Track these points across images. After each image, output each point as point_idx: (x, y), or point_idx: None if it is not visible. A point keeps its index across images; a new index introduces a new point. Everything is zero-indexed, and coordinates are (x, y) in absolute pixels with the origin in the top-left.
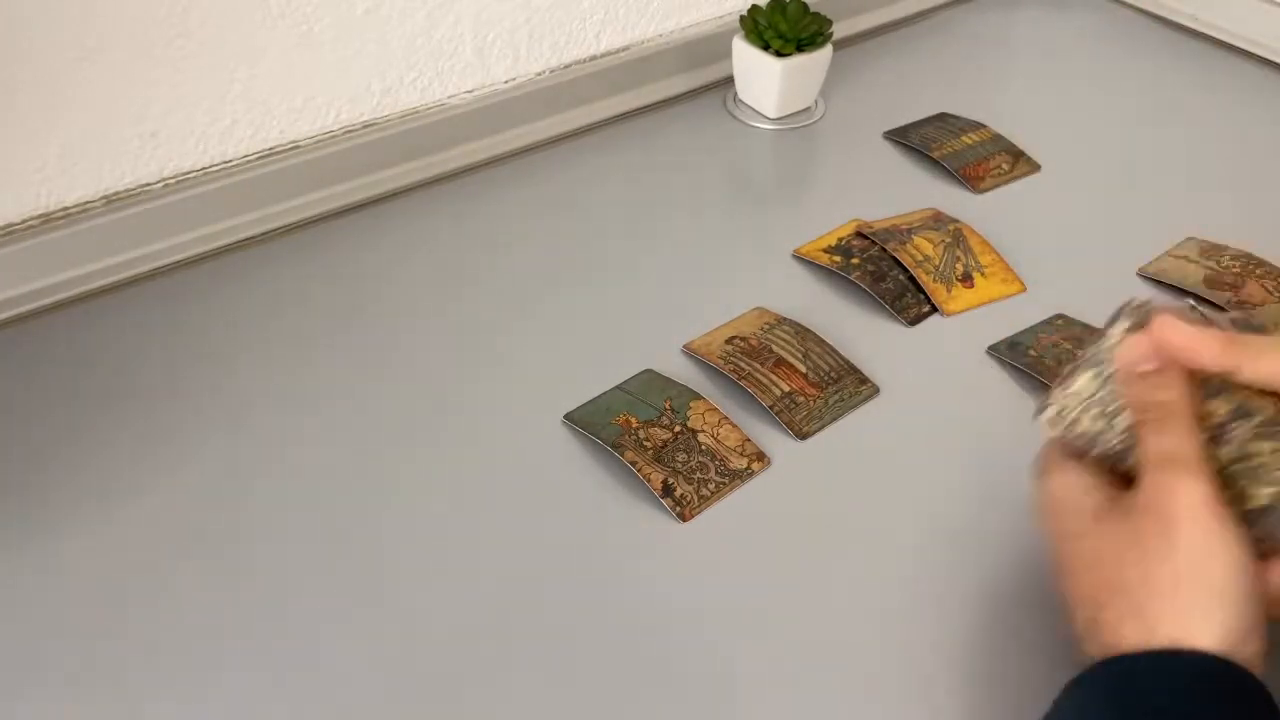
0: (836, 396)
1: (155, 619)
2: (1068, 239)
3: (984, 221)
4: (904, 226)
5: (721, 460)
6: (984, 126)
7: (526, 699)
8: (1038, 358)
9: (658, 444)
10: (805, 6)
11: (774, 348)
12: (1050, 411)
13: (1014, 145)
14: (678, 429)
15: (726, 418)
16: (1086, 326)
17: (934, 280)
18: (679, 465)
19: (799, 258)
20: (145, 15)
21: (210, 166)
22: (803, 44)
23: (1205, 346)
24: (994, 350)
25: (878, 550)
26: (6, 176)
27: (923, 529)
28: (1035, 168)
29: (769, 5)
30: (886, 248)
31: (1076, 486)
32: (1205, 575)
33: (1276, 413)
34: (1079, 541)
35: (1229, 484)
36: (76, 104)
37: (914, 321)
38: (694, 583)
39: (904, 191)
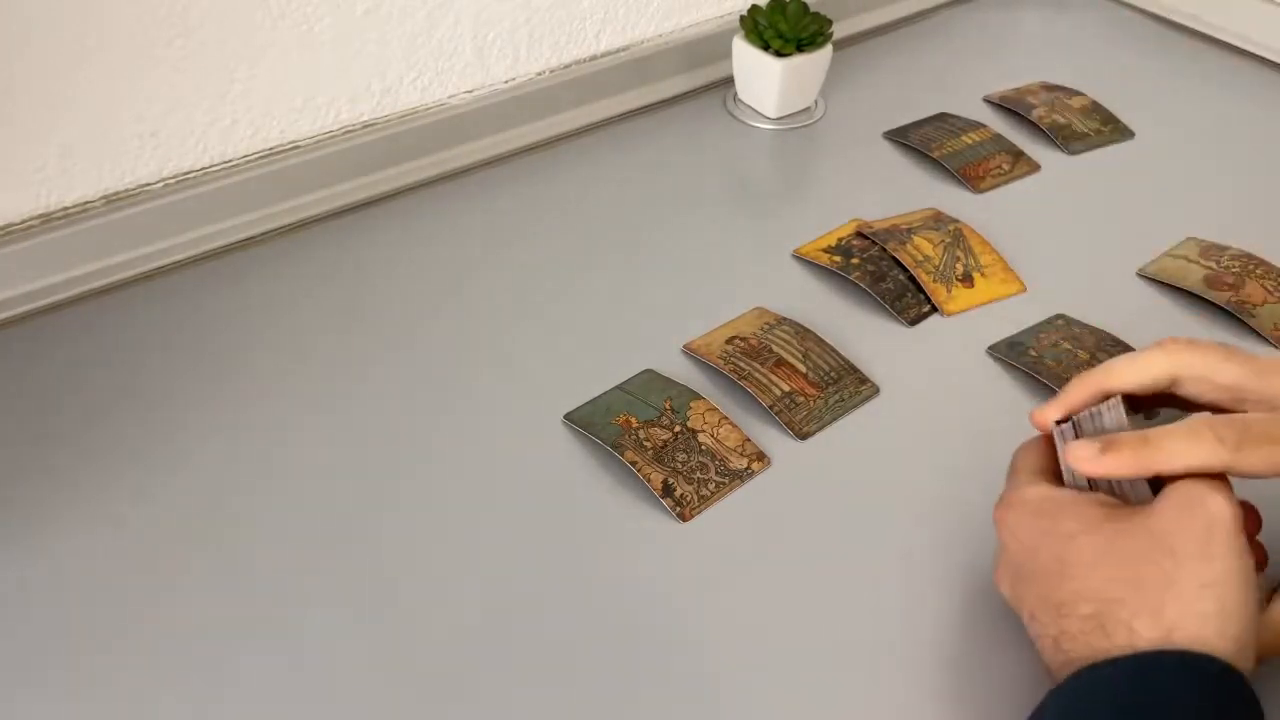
0: (836, 396)
1: (155, 618)
2: (1068, 239)
3: (984, 221)
4: (904, 226)
5: (721, 460)
6: (984, 126)
7: (526, 699)
8: (1038, 358)
9: (658, 444)
10: (805, 6)
11: (774, 348)
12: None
13: (1014, 145)
14: (678, 429)
15: (726, 418)
16: (1086, 326)
17: (934, 280)
18: (679, 465)
19: (799, 258)
20: (145, 15)
21: (210, 166)
22: (803, 44)
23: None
24: (994, 350)
25: (878, 550)
26: (6, 176)
27: (923, 529)
28: (1035, 168)
29: (769, 5)
30: (886, 248)
31: (1071, 490)
32: (1229, 587)
33: None
34: (1084, 538)
35: None
36: (76, 104)
37: (914, 321)
38: (694, 583)
39: (904, 191)
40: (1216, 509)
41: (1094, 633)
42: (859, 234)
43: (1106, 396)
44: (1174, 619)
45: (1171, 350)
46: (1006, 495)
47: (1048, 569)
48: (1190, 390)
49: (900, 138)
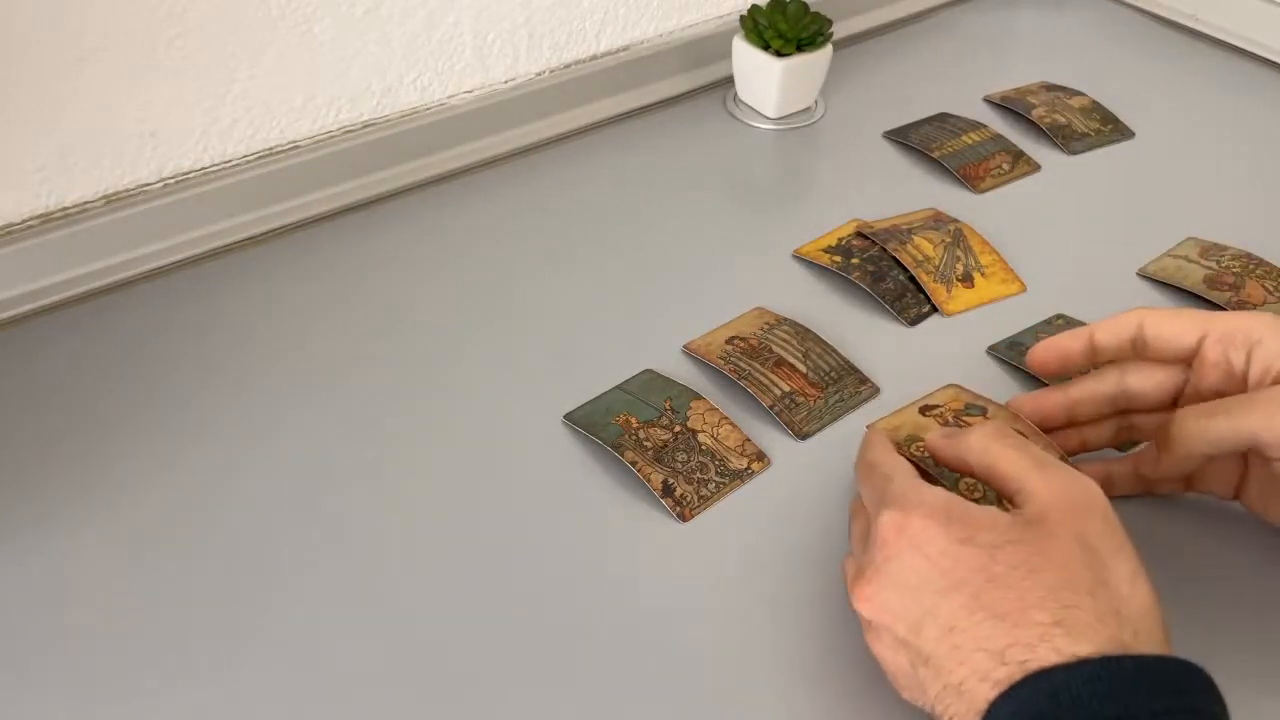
0: (836, 396)
1: (152, 618)
2: (1068, 239)
3: (984, 221)
4: (904, 226)
5: (721, 460)
6: (984, 126)
7: (525, 699)
8: None
9: (658, 444)
10: (805, 6)
11: (774, 348)
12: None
13: (1014, 145)
14: (678, 429)
15: (726, 418)
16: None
17: (934, 280)
18: (679, 465)
19: (799, 258)
20: (144, 14)
21: (210, 166)
22: (803, 44)
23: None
24: (994, 350)
25: None
26: (6, 176)
27: None
28: (1035, 168)
29: (769, 5)
30: (886, 248)
31: (960, 499)
32: (1144, 573)
33: None
34: (1010, 548)
35: None
36: (76, 104)
37: (914, 321)
38: (694, 583)
39: (904, 191)
40: (1100, 498)
41: (1061, 638)
42: (859, 234)
43: (1093, 344)
44: (1130, 618)
45: (1138, 309)
46: (900, 500)
47: (974, 578)
48: (1154, 333)
49: (900, 138)
